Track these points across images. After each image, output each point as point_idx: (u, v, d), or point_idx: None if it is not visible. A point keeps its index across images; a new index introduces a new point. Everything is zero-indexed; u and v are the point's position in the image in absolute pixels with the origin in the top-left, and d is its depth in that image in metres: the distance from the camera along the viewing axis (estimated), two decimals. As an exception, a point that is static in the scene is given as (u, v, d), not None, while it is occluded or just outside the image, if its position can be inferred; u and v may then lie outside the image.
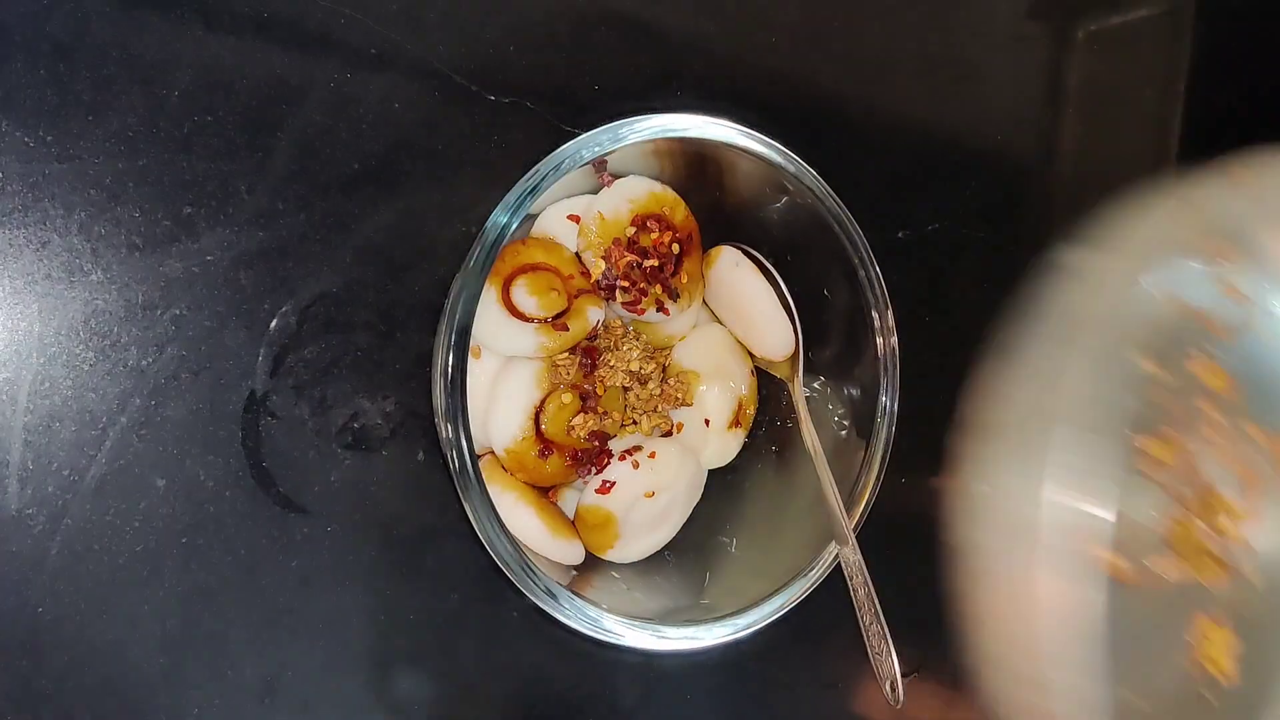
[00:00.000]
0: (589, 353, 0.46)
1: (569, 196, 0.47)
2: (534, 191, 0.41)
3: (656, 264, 0.46)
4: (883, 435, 0.46)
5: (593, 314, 0.45)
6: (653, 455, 0.47)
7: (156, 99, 0.41)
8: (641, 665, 0.49)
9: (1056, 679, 0.38)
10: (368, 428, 0.44)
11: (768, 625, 0.44)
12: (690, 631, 0.43)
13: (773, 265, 0.48)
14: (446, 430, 0.40)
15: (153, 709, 0.41)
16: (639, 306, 0.46)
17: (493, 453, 0.46)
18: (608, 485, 0.46)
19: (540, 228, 0.47)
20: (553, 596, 0.41)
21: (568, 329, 0.45)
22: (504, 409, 0.45)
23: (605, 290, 0.46)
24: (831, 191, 0.45)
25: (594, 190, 0.47)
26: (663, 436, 0.48)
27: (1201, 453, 0.43)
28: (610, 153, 0.42)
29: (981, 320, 0.59)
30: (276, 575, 0.43)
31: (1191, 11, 0.63)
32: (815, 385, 0.49)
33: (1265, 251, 0.38)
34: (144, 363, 0.41)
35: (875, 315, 0.46)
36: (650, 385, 0.47)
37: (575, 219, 0.46)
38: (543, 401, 0.45)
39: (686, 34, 0.51)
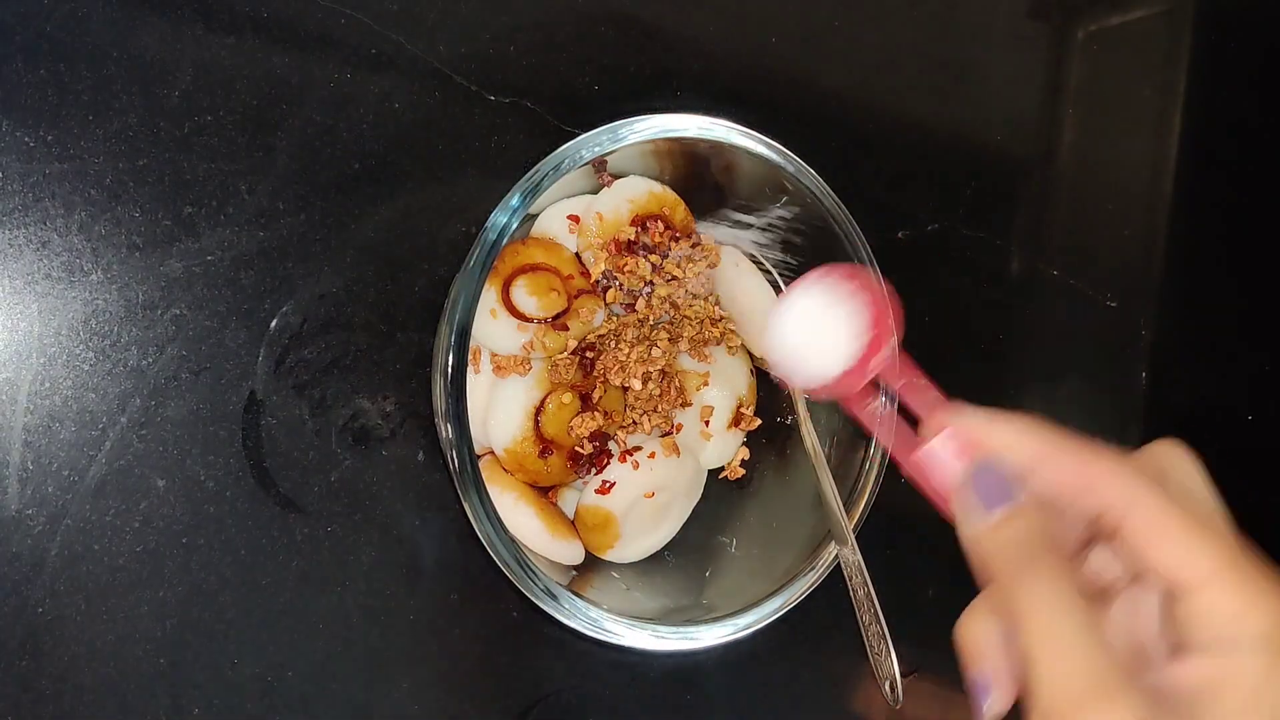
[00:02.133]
0: (588, 353, 0.46)
1: (569, 196, 0.47)
2: (534, 191, 0.41)
3: (657, 263, 0.46)
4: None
5: (593, 314, 0.45)
6: (653, 455, 0.47)
7: (156, 99, 0.41)
8: (641, 665, 0.49)
9: None
10: (368, 428, 0.44)
11: (768, 625, 0.44)
12: (690, 631, 0.43)
13: (773, 265, 0.48)
14: (446, 430, 0.40)
15: (153, 709, 0.41)
16: (637, 307, 0.46)
17: (493, 453, 0.46)
18: (608, 485, 0.46)
19: (540, 228, 0.47)
20: (553, 596, 0.41)
21: (568, 329, 0.45)
22: (504, 409, 0.45)
23: (605, 290, 0.46)
24: (831, 191, 0.45)
25: (594, 190, 0.47)
26: (663, 436, 0.48)
27: None
28: (610, 153, 0.42)
29: (981, 320, 0.59)
30: (276, 575, 0.43)
31: (1191, 11, 0.63)
32: (815, 385, 0.49)
33: None
34: (144, 363, 0.41)
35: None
36: (650, 385, 0.47)
37: (575, 219, 0.46)
38: (542, 401, 0.45)
39: (686, 34, 0.51)
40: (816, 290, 0.34)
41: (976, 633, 0.30)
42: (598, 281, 0.46)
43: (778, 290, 0.48)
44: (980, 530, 0.29)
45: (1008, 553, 0.28)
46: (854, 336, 0.34)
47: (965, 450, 0.31)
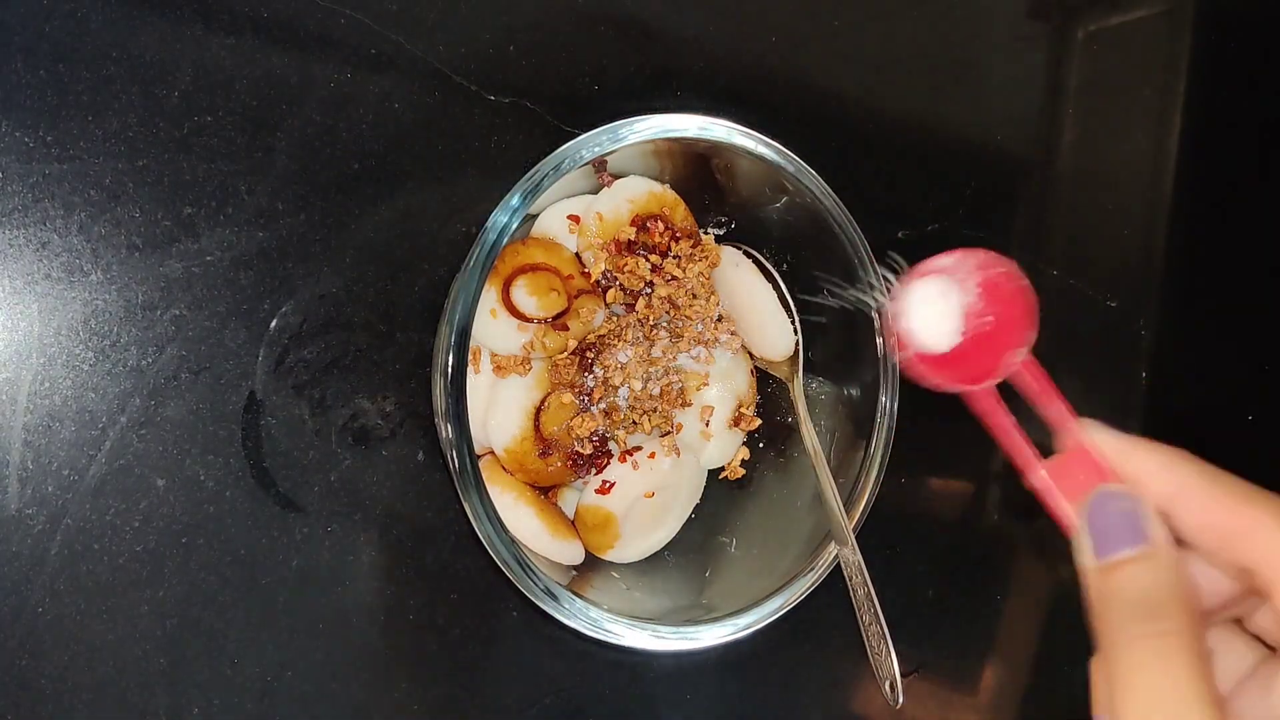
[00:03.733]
0: (588, 353, 0.46)
1: (569, 196, 0.47)
2: (534, 191, 0.41)
3: (657, 263, 0.46)
4: (883, 435, 0.46)
5: (593, 314, 0.45)
6: (652, 455, 0.47)
7: (156, 99, 0.41)
8: (641, 665, 0.49)
9: None
10: (368, 428, 0.44)
11: (768, 625, 0.44)
12: (690, 631, 0.43)
13: (773, 265, 0.48)
14: (446, 430, 0.40)
15: (153, 709, 0.41)
16: (637, 307, 0.46)
17: (493, 453, 0.46)
18: (607, 485, 0.46)
19: (540, 228, 0.47)
20: (553, 596, 0.41)
21: (568, 329, 0.45)
22: (503, 409, 0.45)
23: (605, 290, 0.46)
24: (831, 191, 0.45)
25: (594, 190, 0.47)
26: (663, 436, 0.48)
27: None
28: (610, 153, 0.42)
29: (981, 320, 0.59)
30: (276, 575, 0.43)
31: (1191, 11, 0.63)
32: (815, 385, 0.49)
33: None
34: (144, 363, 0.41)
35: (875, 315, 0.46)
36: (650, 385, 0.47)
37: (575, 219, 0.46)
38: (543, 401, 0.45)
39: (686, 34, 0.51)
40: (963, 265, 0.31)
41: (1099, 680, 0.26)
42: (598, 281, 0.46)
43: (778, 291, 0.48)
44: (1093, 570, 0.25)
45: (1118, 603, 0.24)
46: (987, 316, 0.30)
47: (1097, 475, 0.28)
